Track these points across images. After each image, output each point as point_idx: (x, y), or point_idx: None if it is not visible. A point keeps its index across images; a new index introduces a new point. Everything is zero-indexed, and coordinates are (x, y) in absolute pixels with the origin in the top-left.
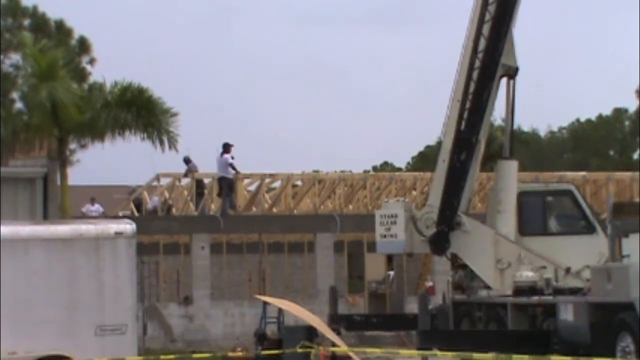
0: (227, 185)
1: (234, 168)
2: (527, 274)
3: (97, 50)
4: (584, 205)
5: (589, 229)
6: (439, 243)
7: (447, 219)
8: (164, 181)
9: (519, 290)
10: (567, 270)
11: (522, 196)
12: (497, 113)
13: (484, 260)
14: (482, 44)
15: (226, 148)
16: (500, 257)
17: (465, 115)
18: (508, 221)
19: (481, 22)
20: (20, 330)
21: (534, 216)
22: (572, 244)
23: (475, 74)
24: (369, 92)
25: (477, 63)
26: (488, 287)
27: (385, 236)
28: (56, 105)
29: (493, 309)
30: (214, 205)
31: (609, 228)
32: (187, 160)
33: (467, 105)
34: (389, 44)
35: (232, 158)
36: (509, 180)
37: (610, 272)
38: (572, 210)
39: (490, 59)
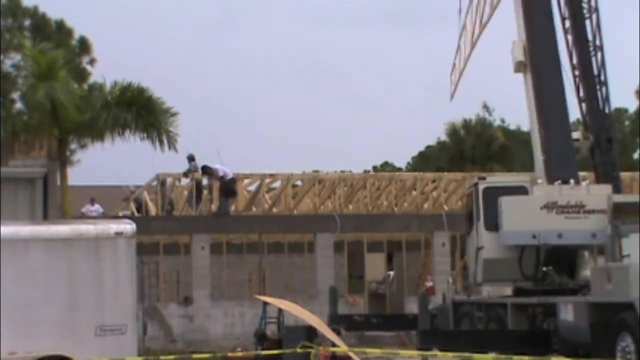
0: (230, 188)
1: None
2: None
3: (97, 50)
4: None
5: None
6: None
7: None
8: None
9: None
10: None
11: (485, 191)
12: (497, 113)
13: None
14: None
15: None
16: None
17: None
18: None
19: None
20: (20, 330)
21: (493, 211)
22: None
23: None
24: (368, 92)
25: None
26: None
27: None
28: (56, 106)
29: (493, 309)
30: (214, 206)
31: (609, 228)
32: (191, 158)
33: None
34: (390, 44)
35: None
36: None
37: (610, 272)
38: None
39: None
